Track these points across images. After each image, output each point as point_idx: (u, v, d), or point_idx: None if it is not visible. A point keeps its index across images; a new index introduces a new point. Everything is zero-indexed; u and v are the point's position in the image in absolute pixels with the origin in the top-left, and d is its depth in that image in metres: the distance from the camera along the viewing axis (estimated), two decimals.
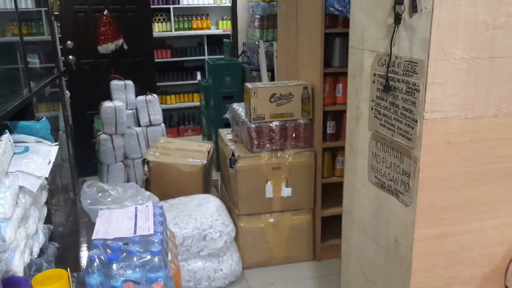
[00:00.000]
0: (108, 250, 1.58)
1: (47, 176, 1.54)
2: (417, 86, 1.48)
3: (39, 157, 1.54)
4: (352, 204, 2.00)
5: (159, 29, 6.43)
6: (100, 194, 2.19)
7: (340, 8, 2.71)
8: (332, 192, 3.21)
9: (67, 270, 1.41)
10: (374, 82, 1.73)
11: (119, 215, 1.85)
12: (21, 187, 1.46)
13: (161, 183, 3.45)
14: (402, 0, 1.51)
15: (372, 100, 1.75)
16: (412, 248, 1.59)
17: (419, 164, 1.52)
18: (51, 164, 1.56)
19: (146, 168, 3.49)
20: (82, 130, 4.69)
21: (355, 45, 1.87)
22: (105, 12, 4.57)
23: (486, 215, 1.63)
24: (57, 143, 1.69)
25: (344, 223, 2.11)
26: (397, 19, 1.54)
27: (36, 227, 1.62)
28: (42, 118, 1.79)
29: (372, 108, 1.76)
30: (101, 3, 4.60)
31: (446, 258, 1.64)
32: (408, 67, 1.52)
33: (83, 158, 4.52)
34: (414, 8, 1.47)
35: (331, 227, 3.15)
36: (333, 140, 3.11)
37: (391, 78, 1.61)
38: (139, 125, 4.56)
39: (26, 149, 1.57)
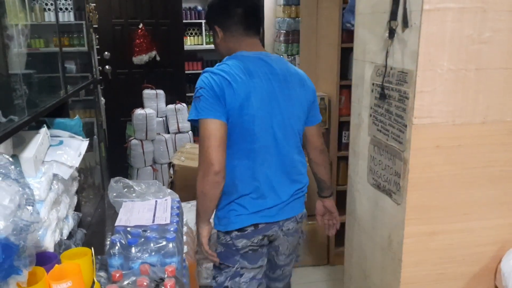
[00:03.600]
0: (128, 235, 1.77)
1: (77, 166, 1.75)
2: (407, 94, 1.62)
3: (71, 149, 1.76)
4: (354, 205, 2.14)
5: (191, 43, 6.71)
6: (125, 189, 2.37)
7: None
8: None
9: (91, 249, 1.61)
10: (372, 91, 1.88)
11: (141, 207, 2.04)
12: (55, 175, 1.67)
13: (185, 186, 3.63)
14: (396, 16, 1.66)
15: (371, 108, 1.90)
16: (403, 243, 1.71)
17: (408, 165, 1.65)
18: (81, 156, 1.78)
19: (171, 171, 3.71)
20: (116, 135, 4.95)
21: (358, 57, 2.03)
22: (140, 26, 4.83)
23: (474, 216, 1.73)
24: (87, 139, 1.92)
25: (347, 223, 2.24)
26: (391, 33, 1.69)
27: (67, 212, 1.83)
28: (76, 116, 2.03)
29: (370, 115, 1.91)
30: (137, 17, 4.86)
31: (435, 255, 1.74)
32: (400, 77, 1.67)
33: (115, 161, 4.73)
34: (405, 24, 1.61)
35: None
36: (348, 150, 3.21)
37: (386, 87, 1.76)
38: (168, 132, 4.78)
39: (61, 142, 1.79)
